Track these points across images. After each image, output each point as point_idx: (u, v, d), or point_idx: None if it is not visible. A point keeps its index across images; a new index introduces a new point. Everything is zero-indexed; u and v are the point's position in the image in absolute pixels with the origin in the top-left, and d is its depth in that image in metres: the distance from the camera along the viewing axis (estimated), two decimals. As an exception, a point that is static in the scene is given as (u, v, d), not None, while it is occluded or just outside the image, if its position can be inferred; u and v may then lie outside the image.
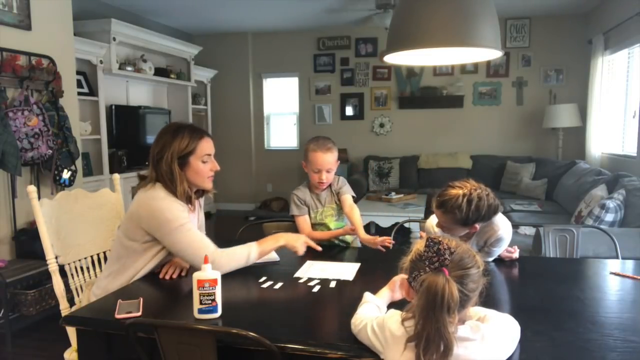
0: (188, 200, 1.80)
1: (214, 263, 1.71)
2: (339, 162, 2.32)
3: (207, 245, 1.74)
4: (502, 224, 1.82)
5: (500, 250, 1.90)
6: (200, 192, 1.92)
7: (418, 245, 1.10)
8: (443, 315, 0.98)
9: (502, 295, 1.63)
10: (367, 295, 1.34)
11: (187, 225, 1.73)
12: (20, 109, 3.32)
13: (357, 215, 2.24)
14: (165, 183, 1.76)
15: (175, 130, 1.79)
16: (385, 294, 1.36)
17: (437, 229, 1.85)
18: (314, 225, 2.31)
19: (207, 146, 1.82)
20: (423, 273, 1.03)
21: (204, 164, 1.81)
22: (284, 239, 1.91)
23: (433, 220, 1.92)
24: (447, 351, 0.98)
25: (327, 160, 2.20)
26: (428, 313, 0.98)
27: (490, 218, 1.75)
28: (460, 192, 1.69)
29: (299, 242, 1.92)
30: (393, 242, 2.05)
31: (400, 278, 1.36)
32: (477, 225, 1.74)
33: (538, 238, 2.84)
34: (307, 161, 2.25)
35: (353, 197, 2.36)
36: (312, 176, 2.26)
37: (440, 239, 1.06)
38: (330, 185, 2.33)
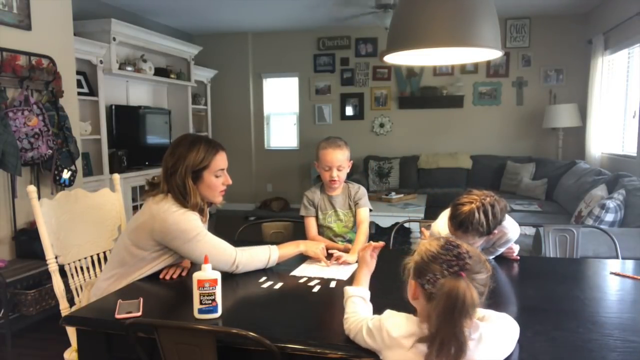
0: (200, 213, 1.79)
1: (237, 263, 1.75)
2: (351, 162, 2.27)
3: (226, 249, 1.76)
4: (510, 227, 1.82)
5: (504, 249, 1.92)
6: (209, 203, 1.92)
7: (427, 245, 1.09)
8: (462, 319, 0.97)
9: (502, 295, 1.63)
10: (348, 290, 1.33)
11: (202, 232, 1.74)
12: (20, 109, 3.32)
13: (362, 234, 2.15)
14: (177, 196, 1.75)
15: (191, 143, 1.78)
16: (364, 275, 1.37)
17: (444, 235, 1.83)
18: (320, 227, 2.27)
19: (221, 161, 1.82)
20: (440, 276, 1.02)
21: (217, 178, 1.81)
22: (304, 245, 1.96)
23: (440, 226, 1.89)
24: (459, 353, 0.98)
25: (337, 157, 2.15)
26: (446, 317, 0.97)
27: (504, 219, 1.73)
28: (473, 206, 1.64)
29: (318, 249, 1.94)
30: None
31: (364, 251, 1.39)
32: (496, 231, 1.72)
33: (538, 238, 2.84)
34: (318, 160, 2.21)
35: (370, 210, 2.29)
36: (323, 175, 2.22)
37: (457, 243, 1.05)
38: (348, 192, 2.28)
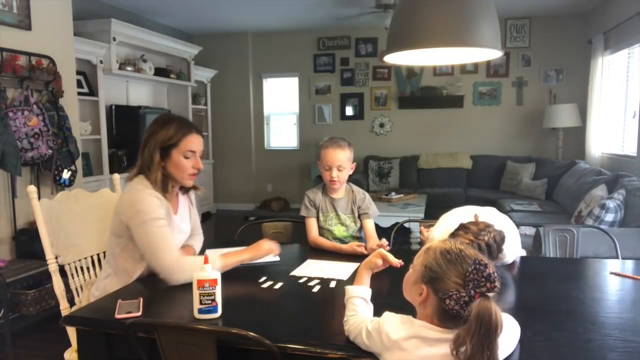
0: (164, 190, 1.76)
1: (170, 270, 1.64)
2: (354, 164, 2.25)
3: (170, 247, 1.68)
4: (509, 252, 1.80)
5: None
6: (186, 189, 1.90)
7: (442, 249, 1.06)
8: (496, 340, 0.97)
9: (502, 295, 1.63)
10: (349, 289, 1.31)
11: (159, 221, 1.69)
12: (20, 109, 3.32)
13: (372, 245, 2.11)
14: (145, 172, 1.76)
15: (165, 120, 1.81)
16: (366, 274, 1.35)
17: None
18: (320, 229, 2.24)
19: (192, 142, 1.78)
20: (464, 294, 1.00)
21: (186, 159, 1.78)
22: (248, 253, 1.84)
23: (436, 233, 1.87)
24: None
25: (338, 157, 2.13)
26: (480, 339, 0.96)
27: (501, 251, 1.68)
28: (468, 243, 1.54)
29: (262, 251, 1.86)
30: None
31: (381, 257, 1.35)
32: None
33: (538, 238, 2.84)
34: (320, 159, 2.21)
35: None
36: (323, 174, 2.21)
37: (486, 262, 1.03)
38: (353, 197, 2.25)
